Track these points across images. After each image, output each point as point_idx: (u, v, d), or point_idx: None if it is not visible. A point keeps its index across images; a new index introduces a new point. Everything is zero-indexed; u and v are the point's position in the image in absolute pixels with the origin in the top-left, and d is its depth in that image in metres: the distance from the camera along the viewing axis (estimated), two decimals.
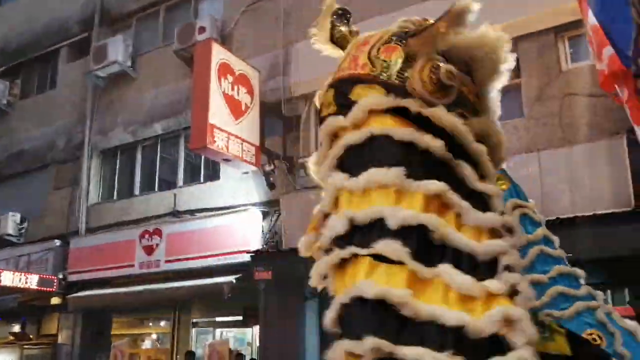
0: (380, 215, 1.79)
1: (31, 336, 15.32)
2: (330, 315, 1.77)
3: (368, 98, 1.92)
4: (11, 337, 15.34)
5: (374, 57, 2.03)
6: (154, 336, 14.19)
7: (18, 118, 16.85)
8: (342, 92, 2.03)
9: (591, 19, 3.33)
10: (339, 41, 2.28)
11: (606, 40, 3.16)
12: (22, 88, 17.37)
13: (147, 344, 14.09)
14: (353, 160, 1.93)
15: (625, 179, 7.79)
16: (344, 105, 2.01)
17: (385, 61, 2.01)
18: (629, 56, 2.98)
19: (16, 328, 15.43)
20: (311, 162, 2.20)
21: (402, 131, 1.87)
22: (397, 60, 1.99)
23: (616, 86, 3.25)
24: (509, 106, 9.73)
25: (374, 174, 1.83)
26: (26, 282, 13.22)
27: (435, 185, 1.81)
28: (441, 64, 1.94)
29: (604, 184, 7.96)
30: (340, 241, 1.84)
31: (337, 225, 1.85)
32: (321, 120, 2.12)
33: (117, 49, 14.24)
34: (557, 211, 7.59)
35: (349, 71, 2.06)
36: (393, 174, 1.80)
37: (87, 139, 14.81)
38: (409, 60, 1.97)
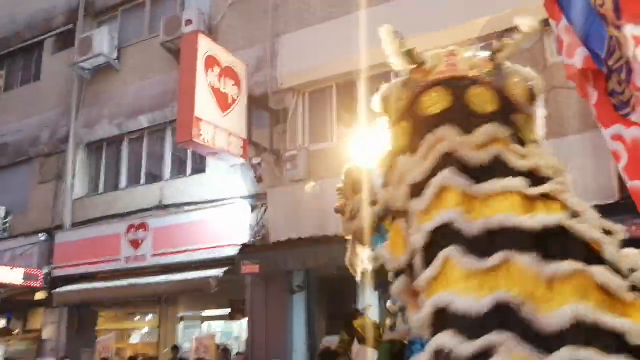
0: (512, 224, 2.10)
1: (16, 331, 15.32)
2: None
3: (491, 127, 2.32)
4: None
5: (473, 65, 2.48)
6: (145, 330, 14.24)
7: (1, 110, 16.75)
8: (458, 90, 2.41)
9: (563, 20, 3.46)
10: (405, 55, 2.62)
11: (579, 41, 3.28)
12: (6, 80, 17.32)
13: (136, 338, 14.14)
14: (475, 172, 2.26)
15: (610, 171, 7.92)
16: (457, 102, 2.41)
17: (484, 69, 2.48)
18: (602, 58, 3.11)
19: (1, 323, 15.46)
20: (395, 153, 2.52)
21: (521, 163, 2.30)
22: (494, 69, 2.47)
23: (587, 86, 3.38)
24: None
25: (503, 182, 2.21)
26: (9, 277, 13.19)
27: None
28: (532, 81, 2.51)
29: (588, 176, 8.08)
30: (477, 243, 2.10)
31: (469, 226, 2.14)
32: (416, 115, 2.46)
33: (102, 41, 14.25)
34: None
35: (454, 73, 2.47)
36: (517, 183, 2.18)
37: (72, 132, 14.78)
38: (497, 71, 2.47)
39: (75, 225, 14.25)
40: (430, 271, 2.10)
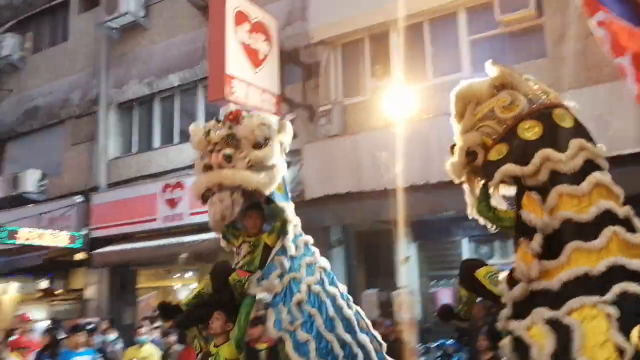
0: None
1: (59, 291, 15.99)
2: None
3: (580, 141, 3.61)
4: (39, 294, 16.04)
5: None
6: (189, 286, 14.82)
7: (31, 73, 17.36)
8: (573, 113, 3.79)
9: (617, 20, 3.93)
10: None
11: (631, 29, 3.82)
12: (34, 42, 17.77)
13: (177, 295, 14.75)
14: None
15: None
16: (577, 122, 3.79)
17: None
18: None
19: (44, 284, 16.13)
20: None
21: (603, 162, 3.57)
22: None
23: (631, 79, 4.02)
24: (532, 47, 10.01)
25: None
26: (50, 240, 13.81)
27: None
28: None
29: (629, 123, 8.32)
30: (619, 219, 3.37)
31: (620, 213, 3.39)
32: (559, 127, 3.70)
33: None
34: None
35: (557, 101, 3.92)
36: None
37: (102, 93, 15.24)
38: None
39: (110, 186, 14.82)
40: (599, 241, 3.23)
